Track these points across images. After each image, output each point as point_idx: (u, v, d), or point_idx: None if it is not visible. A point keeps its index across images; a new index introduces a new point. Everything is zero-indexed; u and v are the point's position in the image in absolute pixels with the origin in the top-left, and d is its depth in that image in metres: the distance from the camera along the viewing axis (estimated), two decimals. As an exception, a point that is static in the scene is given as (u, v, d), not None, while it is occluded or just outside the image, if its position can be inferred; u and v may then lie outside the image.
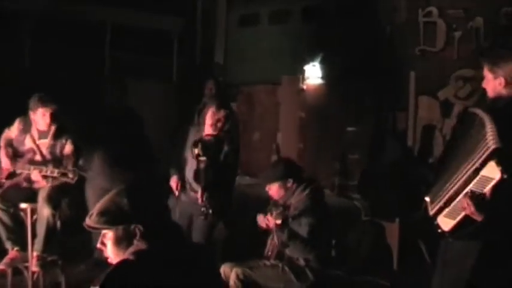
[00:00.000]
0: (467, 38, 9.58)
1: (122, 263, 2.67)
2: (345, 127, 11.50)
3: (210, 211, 5.46)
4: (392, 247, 7.20)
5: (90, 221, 2.71)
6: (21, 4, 10.05)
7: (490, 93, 4.14)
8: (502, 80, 4.06)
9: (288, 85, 12.28)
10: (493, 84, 4.10)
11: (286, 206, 4.97)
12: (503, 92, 4.05)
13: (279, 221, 4.84)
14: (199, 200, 5.58)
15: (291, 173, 5.17)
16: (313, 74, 11.82)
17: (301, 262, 4.87)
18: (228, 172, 6.14)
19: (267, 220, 4.94)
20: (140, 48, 11.93)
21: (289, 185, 5.05)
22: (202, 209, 5.45)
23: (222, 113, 5.99)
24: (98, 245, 2.78)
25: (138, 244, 2.69)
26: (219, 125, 5.94)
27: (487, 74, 4.17)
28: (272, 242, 5.06)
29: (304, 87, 11.93)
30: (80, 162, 6.76)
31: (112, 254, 2.75)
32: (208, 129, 5.96)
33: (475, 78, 8.36)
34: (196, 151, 5.73)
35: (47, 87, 7.15)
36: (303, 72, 11.89)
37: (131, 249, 2.70)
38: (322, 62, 11.65)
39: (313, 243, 4.82)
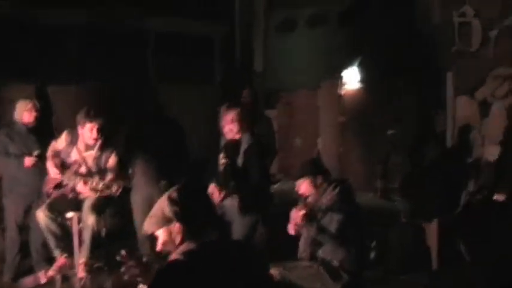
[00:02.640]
0: (503, 36, 9.52)
1: (171, 263, 2.76)
2: (385, 130, 11.51)
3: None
4: (432, 248, 7.21)
5: (146, 224, 2.87)
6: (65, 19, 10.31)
7: None
8: None
9: (327, 90, 12.35)
10: None
11: (317, 205, 5.05)
12: None
13: (303, 211, 4.95)
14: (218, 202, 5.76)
15: (319, 170, 5.27)
16: (351, 77, 11.87)
17: (335, 263, 4.93)
18: (252, 172, 6.10)
19: (294, 214, 5.04)
20: (183, 53, 12.15)
21: (318, 182, 5.12)
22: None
23: (232, 113, 6.08)
24: (158, 248, 2.90)
25: (188, 244, 2.77)
26: (234, 126, 6.05)
27: None
28: (304, 243, 5.14)
29: (344, 91, 11.98)
30: (130, 171, 7.01)
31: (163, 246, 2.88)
32: (227, 134, 6.14)
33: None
34: (221, 155, 5.99)
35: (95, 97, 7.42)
36: (341, 76, 11.95)
37: (182, 248, 2.78)
38: (360, 65, 11.69)
39: (342, 240, 4.88)
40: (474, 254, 6.72)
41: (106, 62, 10.54)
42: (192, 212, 2.79)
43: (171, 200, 2.78)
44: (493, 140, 8.49)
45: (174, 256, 2.78)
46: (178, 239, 2.78)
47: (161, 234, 2.84)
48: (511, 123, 8.25)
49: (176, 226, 2.77)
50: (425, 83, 10.45)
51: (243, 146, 6.07)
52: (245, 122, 6.13)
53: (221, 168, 6.03)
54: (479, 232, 6.48)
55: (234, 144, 6.12)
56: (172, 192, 2.84)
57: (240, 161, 6.05)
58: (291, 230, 5.14)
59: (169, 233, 2.80)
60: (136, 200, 7.17)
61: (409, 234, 7.43)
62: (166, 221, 2.79)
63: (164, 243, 2.87)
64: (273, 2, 13.80)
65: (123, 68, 10.70)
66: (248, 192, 5.97)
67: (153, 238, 7.02)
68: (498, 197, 4.55)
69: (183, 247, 2.78)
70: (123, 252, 2.85)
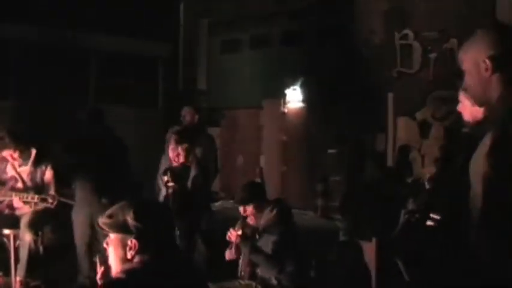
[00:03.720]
0: (442, 59, 9.76)
1: (111, 282, 2.73)
2: (326, 149, 11.65)
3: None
4: (371, 266, 7.29)
5: (100, 220, 2.81)
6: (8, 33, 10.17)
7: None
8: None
9: (269, 109, 12.46)
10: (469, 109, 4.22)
11: (256, 227, 5.09)
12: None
13: (239, 232, 5.00)
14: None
15: (264, 194, 5.32)
16: (294, 97, 11.99)
17: (274, 281, 4.96)
18: (198, 195, 6.34)
19: (230, 233, 5.07)
20: (126, 74, 12.08)
21: (263, 206, 5.17)
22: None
23: (180, 149, 6.35)
24: (104, 244, 2.85)
25: (133, 262, 2.71)
26: (181, 158, 6.34)
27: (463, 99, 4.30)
28: (244, 262, 5.15)
29: (286, 110, 12.09)
30: (73, 186, 6.94)
31: (111, 259, 2.80)
32: (173, 158, 6.39)
33: (451, 99, 8.54)
34: (165, 178, 6.07)
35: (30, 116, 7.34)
36: (284, 96, 12.06)
37: (125, 266, 2.72)
38: (302, 86, 11.82)
39: (276, 260, 4.91)
40: (412, 273, 6.81)
41: (45, 79, 10.40)
42: (153, 232, 2.75)
43: (137, 215, 2.73)
44: (432, 160, 8.67)
45: (116, 274, 2.74)
46: (129, 255, 2.74)
47: (114, 242, 2.79)
48: (447, 143, 8.44)
49: (133, 242, 2.72)
50: (366, 103, 10.62)
51: (192, 173, 6.27)
52: (189, 149, 6.36)
53: (169, 191, 6.11)
54: (417, 251, 6.58)
55: (180, 169, 6.24)
56: (138, 205, 2.79)
57: (188, 185, 6.20)
58: (227, 255, 5.19)
59: (123, 244, 2.74)
60: (76, 217, 7.07)
61: (348, 253, 7.50)
62: (124, 231, 2.73)
63: (114, 256, 2.80)
64: (216, 23, 13.88)
65: (63, 86, 10.58)
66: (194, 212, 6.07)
67: (92, 256, 6.97)
68: (434, 216, 4.65)
69: (128, 265, 2.72)
70: None
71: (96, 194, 6.93)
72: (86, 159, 6.99)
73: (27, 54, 10.48)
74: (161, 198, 6.21)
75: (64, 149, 6.88)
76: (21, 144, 6.00)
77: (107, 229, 2.78)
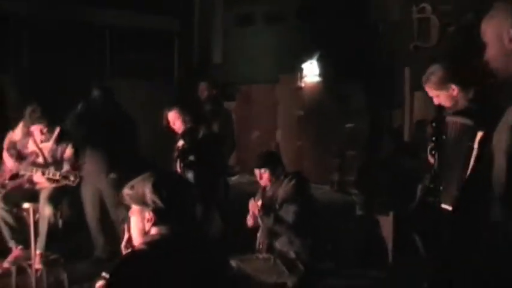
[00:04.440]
0: (460, 33, 9.66)
1: (132, 253, 2.76)
2: (343, 124, 11.61)
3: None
4: (387, 240, 7.31)
5: (124, 190, 2.84)
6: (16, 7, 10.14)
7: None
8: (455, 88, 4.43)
9: (285, 83, 12.40)
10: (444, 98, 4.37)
11: (274, 197, 5.13)
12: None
13: (260, 202, 5.04)
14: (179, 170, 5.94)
15: (279, 162, 5.39)
16: (310, 72, 11.93)
17: (292, 255, 5.00)
18: (209, 154, 6.39)
19: (251, 205, 5.12)
20: (141, 48, 12.06)
21: (278, 173, 5.22)
22: None
23: (172, 114, 6.44)
24: (129, 214, 2.89)
25: (153, 235, 2.75)
26: (177, 124, 6.41)
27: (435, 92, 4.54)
28: (262, 235, 5.19)
29: (302, 85, 12.04)
30: (80, 161, 6.97)
31: (132, 229, 2.85)
32: (178, 130, 6.47)
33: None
34: (178, 144, 6.22)
35: (48, 91, 7.35)
36: (300, 70, 12.01)
37: (146, 238, 2.76)
38: (318, 60, 11.76)
39: (298, 231, 4.95)
40: (429, 247, 6.82)
41: (59, 53, 10.39)
42: (170, 205, 2.76)
43: (155, 188, 2.74)
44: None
45: (137, 246, 2.78)
46: (147, 227, 2.77)
47: (135, 213, 2.81)
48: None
49: (150, 214, 2.75)
50: (382, 78, 10.56)
51: (199, 135, 6.34)
52: (190, 115, 6.40)
53: (180, 150, 6.15)
54: (434, 226, 6.58)
55: (191, 133, 6.26)
56: (156, 179, 2.79)
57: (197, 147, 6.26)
58: (249, 221, 5.20)
59: (142, 217, 2.77)
60: (85, 192, 7.12)
61: (365, 227, 7.52)
62: (143, 203, 2.76)
63: (134, 228, 2.84)
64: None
65: (77, 60, 10.57)
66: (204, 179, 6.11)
67: (106, 231, 7.03)
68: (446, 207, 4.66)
69: (148, 237, 2.76)
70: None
71: (105, 169, 6.98)
72: (95, 134, 7.03)
73: (41, 29, 10.46)
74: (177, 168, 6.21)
75: (73, 122, 6.90)
76: (51, 120, 6.03)
77: (128, 200, 2.81)
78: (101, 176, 6.98)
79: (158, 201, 2.71)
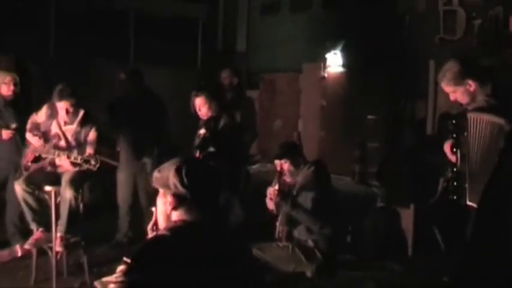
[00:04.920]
0: (486, 26, 9.57)
1: (156, 238, 2.76)
2: (365, 115, 11.56)
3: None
4: (407, 233, 7.29)
5: (154, 173, 2.88)
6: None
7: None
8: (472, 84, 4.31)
9: (309, 73, 12.35)
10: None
11: (293, 183, 5.13)
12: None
13: (276, 187, 5.04)
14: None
15: (299, 152, 5.39)
16: (334, 62, 11.88)
17: (310, 243, 4.99)
18: (229, 142, 6.35)
19: (269, 190, 5.13)
20: (165, 35, 12.08)
21: (298, 163, 5.22)
22: None
23: (199, 100, 6.37)
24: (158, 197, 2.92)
25: (175, 220, 2.77)
26: (203, 110, 6.35)
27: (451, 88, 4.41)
28: (281, 223, 5.18)
29: (326, 75, 12.00)
30: (118, 148, 7.11)
31: (158, 212, 2.88)
32: (202, 116, 6.44)
33: (494, 67, 8.40)
34: (200, 131, 6.18)
35: (74, 77, 7.41)
36: (324, 60, 11.96)
37: (168, 224, 2.79)
38: (343, 50, 11.71)
39: (317, 217, 4.94)
40: (449, 241, 6.80)
41: (84, 40, 10.43)
42: (192, 191, 2.77)
43: (178, 172, 2.76)
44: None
45: (160, 231, 2.80)
46: (168, 210, 2.80)
47: (160, 196, 2.85)
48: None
49: (171, 198, 2.78)
50: (407, 70, 10.49)
51: (221, 123, 6.31)
52: (216, 102, 6.38)
53: (198, 140, 6.14)
54: (455, 220, 6.54)
55: (213, 122, 6.26)
56: (181, 164, 2.80)
57: (218, 136, 6.25)
58: (269, 204, 5.21)
59: (165, 201, 2.81)
60: (120, 177, 7.29)
61: (385, 219, 7.49)
62: (166, 186, 2.79)
63: (159, 211, 2.87)
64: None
65: (102, 47, 10.61)
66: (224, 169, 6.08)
67: (133, 216, 7.11)
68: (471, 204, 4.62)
69: (171, 223, 2.79)
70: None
71: (137, 155, 7.09)
72: (126, 119, 7.09)
73: (67, 15, 10.49)
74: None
75: (106, 109, 6.97)
76: (77, 101, 6.05)
77: (155, 183, 2.86)
78: (133, 161, 7.13)
79: (179, 186, 2.74)
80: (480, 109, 4.36)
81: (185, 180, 2.74)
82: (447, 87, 4.57)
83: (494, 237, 3.92)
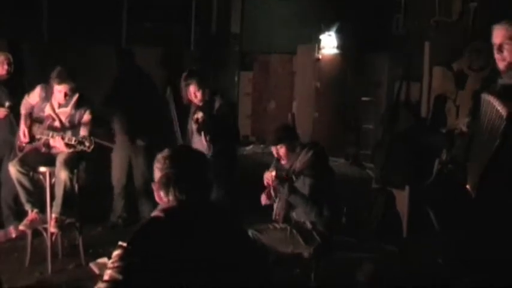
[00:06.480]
0: (482, 9, 9.52)
1: (149, 221, 2.75)
2: (359, 97, 11.57)
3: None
4: (402, 214, 7.30)
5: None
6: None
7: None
8: None
9: (303, 54, 12.33)
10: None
11: (291, 168, 5.09)
12: None
13: (273, 173, 5.02)
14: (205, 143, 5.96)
15: (295, 135, 5.34)
16: (328, 43, 11.85)
17: (308, 225, 4.98)
18: (226, 123, 6.31)
19: (266, 175, 5.11)
20: (158, 16, 12.00)
21: (295, 147, 5.17)
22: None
23: (192, 87, 6.22)
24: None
25: (170, 200, 2.77)
26: (199, 95, 6.23)
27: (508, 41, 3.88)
28: (279, 205, 5.17)
29: (320, 56, 11.97)
30: (112, 130, 7.16)
31: (156, 195, 2.88)
32: (197, 102, 6.30)
33: (489, 50, 8.36)
34: (195, 116, 6.04)
35: (67, 59, 7.36)
36: (318, 41, 11.93)
37: (163, 205, 2.78)
38: (337, 32, 11.68)
39: (315, 202, 4.92)
40: (443, 223, 6.81)
41: (77, 22, 10.34)
42: (178, 174, 2.77)
43: (163, 157, 2.81)
44: (467, 112, 8.53)
45: (155, 213, 2.78)
46: (156, 196, 2.81)
47: (156, 180, 2.85)
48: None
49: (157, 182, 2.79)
50: (401, 52, 10.47)
51: (216, 105, 6.24)
52: (207, 88, 6.29)
53: (195, 124, 6.08)
54: (449, 202, 6.55)
55: (207, 106, 6.21)
56: (173, 150, 2.86)
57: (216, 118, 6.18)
58: (263, 199, 5.21)
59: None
60: (115, 158, 7.29)
61: (380, 201, 7.50)
62: (158, 170, 2.84)
63: (157, 193, 2.86)
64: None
65: (95, 29, 10.53)
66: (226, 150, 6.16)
67: (127, 198, 7.10)
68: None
69: (165, 204, 2.79)
70: None
71: (132, 137, 7.09)
72: (119, 100, 7.08)
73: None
74: (196, 144, 6.17)
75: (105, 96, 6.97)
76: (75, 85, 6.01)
77: (154, 165, 2.87)
78: (128, 143, 7.17)
79: (165, 168, 2.79)
80: (507, 87, 4.03)
81: (174, 164, 2.79)
82: (501, 36, 4.03)
83: (494, 218, 3.90)
